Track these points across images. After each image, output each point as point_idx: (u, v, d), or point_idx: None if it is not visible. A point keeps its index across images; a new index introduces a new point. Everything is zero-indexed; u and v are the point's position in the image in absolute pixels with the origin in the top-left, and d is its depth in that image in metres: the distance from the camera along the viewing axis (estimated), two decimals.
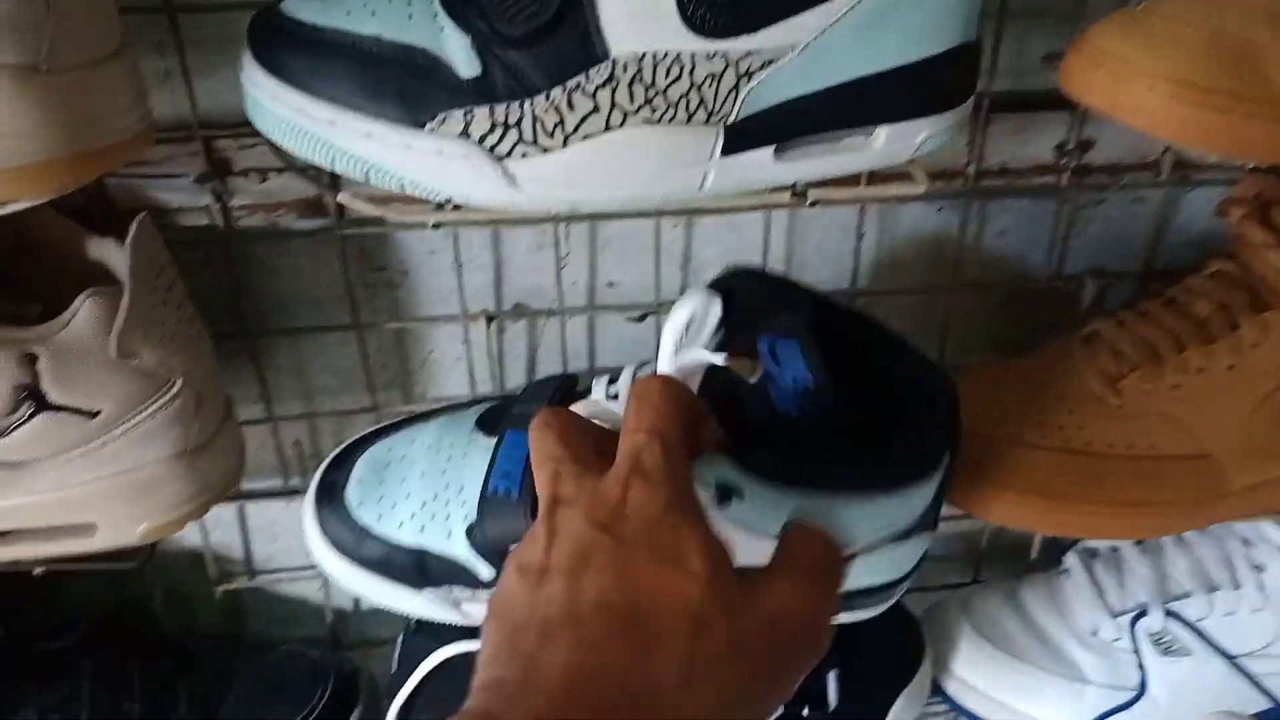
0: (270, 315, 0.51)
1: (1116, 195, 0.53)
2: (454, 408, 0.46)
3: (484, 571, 0.41)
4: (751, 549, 0.31)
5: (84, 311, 0.39)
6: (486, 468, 0.41)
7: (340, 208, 0.48)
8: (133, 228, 0.41)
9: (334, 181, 0.46)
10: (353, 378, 0.53)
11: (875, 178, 0.48)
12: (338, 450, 0.46)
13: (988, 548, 0.64)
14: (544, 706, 0.24)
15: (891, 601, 0.45)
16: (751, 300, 0.36)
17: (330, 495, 0.44)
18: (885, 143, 0.38)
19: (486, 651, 0.27)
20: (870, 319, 0.39)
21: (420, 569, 0.42)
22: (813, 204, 0.39)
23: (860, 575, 0.41)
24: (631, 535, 0.26)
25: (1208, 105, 0.35)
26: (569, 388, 0.43)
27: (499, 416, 0.43)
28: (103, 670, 0.51)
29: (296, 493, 0.56)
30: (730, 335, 0.36)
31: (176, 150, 0.46)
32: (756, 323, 0.36)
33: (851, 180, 0.41)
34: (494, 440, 0.42)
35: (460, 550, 0.41)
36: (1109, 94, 0.37)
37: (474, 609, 0.42)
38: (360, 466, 0.44)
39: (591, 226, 0.51)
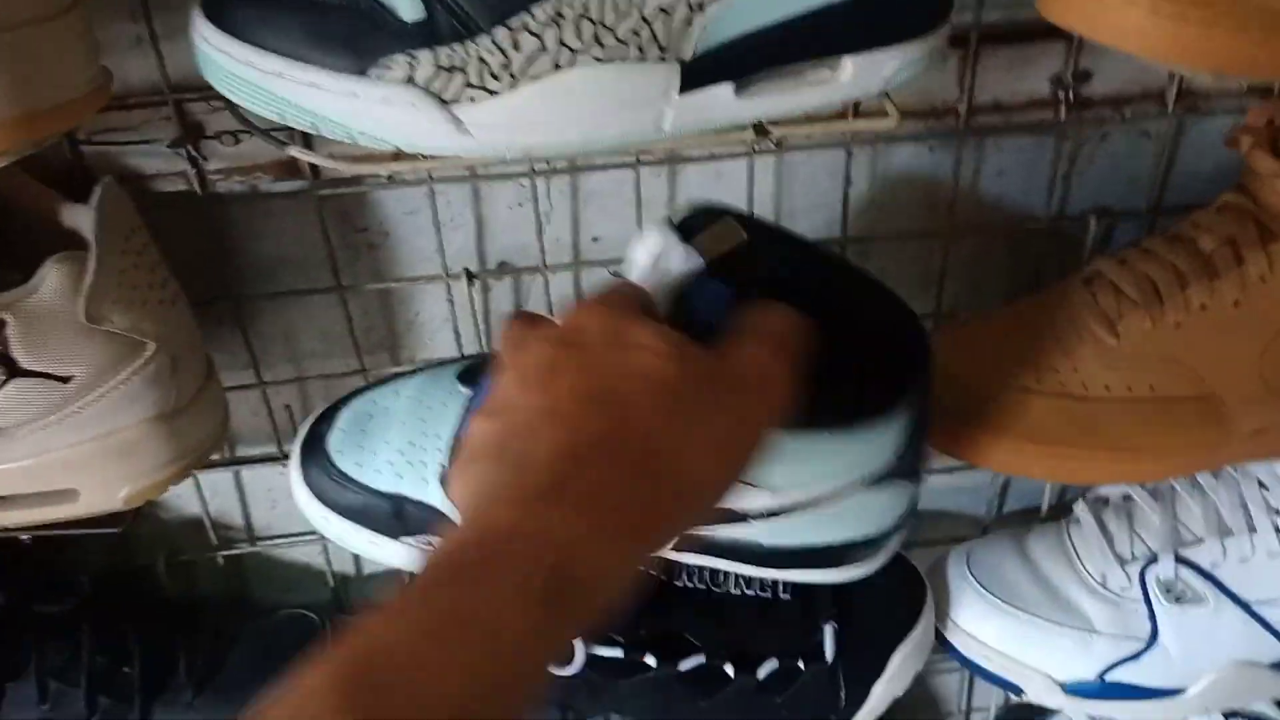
0: (254, 279, 0.51)
1: (1119, 129, 0.50)
2: (440, 363, 0.47)
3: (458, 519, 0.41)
4: None
5: (51, 276, 0.39)
6: (461, 412, 0.41)
7: (315, 168, 0.48)
8: (97, 191, 0.40)
9: (307, 141, 0.45)
10: (340, 341, 0.53)
11: (859, 113, 0.46)
12: (326, 407, 0.46)
13: (996, 500, 0.62)
14: (542, 479, 0.25)
15: (880, 560, 0.44)
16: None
17: (314, 446, 0.45)
18: (852, 75, 0.37)
19: (463, 493, 0.27)
20: (837, 257, 0.38)
21: (398, 516, 0.42)
22: (778, 142, 0.37)
23: (839, 527, 0.40)
24: (592, 341, 0.28)
25: (1190, 19, 0.33)
26: None
27: (480, 369, 0.43)
28: (102, 633, 0.52)
29: (289, 458, 0.56)
30: None
31: (150, 115, 0.46)
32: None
33: (823, 117, 0.40)
34: (470, 390, 0.42)
35: (435, 497, 0.41)
36: (1087, 14, 0.35)
37: None
38: (343, 417, 0.45)
39: (572, 180, 0.50)
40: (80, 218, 0.42)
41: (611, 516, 0.25)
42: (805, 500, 0.37)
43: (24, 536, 0.47)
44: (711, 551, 0.41)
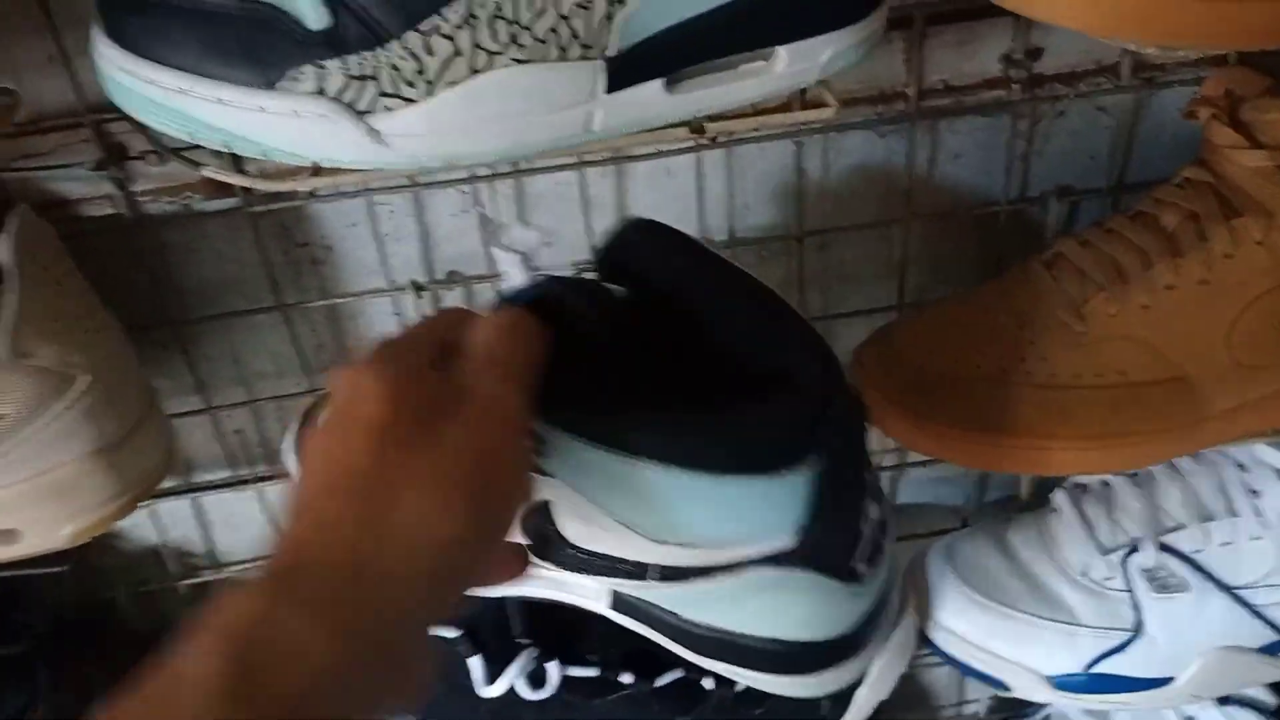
0: (194, 302, 0.50)
1: (1076, 105, 0.49)
2: None
3: None
4: (571, 503, 0.32)
5: None
6: None
7: (245, 187, 0.46)
8: (13, 221, 0.39)
9: (235, 161, 0.44)
10: (290, 361, 0.52)
11: (807, 104, 0.45)
12: None
13: (975, 490, 0.61)
14: (279, 543, 0.27)
15: (828, 683, 0.41)
16: (626, 251, 0.34)
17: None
18: (787, 64, 0.35)
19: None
20: (754, 283, 0.35)
21: None
22: (713, 139, 0.36)
23: (755, 615, 0.37)
24: (336, 398, 0.30)
25: None
26: None
27: None
28: (60, 673, 0.51)
29: (246, 482, 0.54)
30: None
31: (69, 138, 0.44)
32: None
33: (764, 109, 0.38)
34: None
35: None
36: None
37: None
38: None
39: (516, 183, 0.48)
40: (4, 250, 0.40)
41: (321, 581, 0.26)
42: (691, 559, 0.34)
43: None
44: (634, 615, 0.39)
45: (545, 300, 0.32)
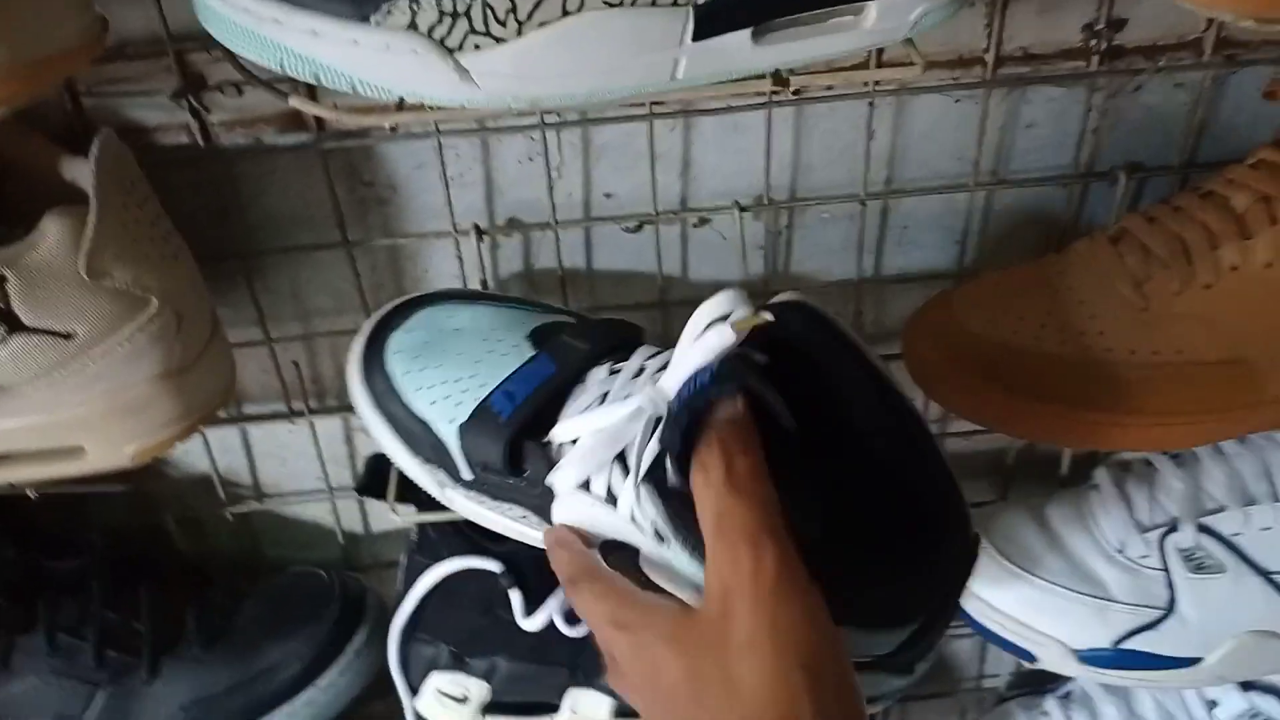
0: (260, 235, 0.50)
1: (1154, 80, 0.48)
2: (529, 305, 0.45)
3: (464, 470, 0.40)
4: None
5: (51, 231, 0.39)
6: (507, 375, 0.40)
7: (320, 121, 0.47)
8: (96, 143, 0.39)
9: (311, 92, 0.44)
10: (349, 298, 0.52)
11: (883, 64, 0.45)
12: (411, 298, 0.45)
13: (1015, 465, 0.61)
14: None
15: None
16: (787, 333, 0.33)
17: (381, 334, 0.44)
18: (876, 20, 0.35)
19: None
20: (909, 407, 0.34)
21: (423, 440, 0.42)
22: (796, 92, 0.36)
23: None
24: (620, 655, 0.34)
25: None
26: (628, 337, 0.41)
27: (552, 335, 0.42)
28: (112, 589, 0.52)
29: (299, 415, 0.55)
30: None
31: (151, 67, 0.45)
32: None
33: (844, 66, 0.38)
34: (532, 354, 0.41)
35: (451, 440, 0.40)
36: None
37: (454, 496, 0.42)
38: (417, 319, 0.44)
39: (584, 133, 0.48)
40: (80, 171, 0.41)
41: None
42: None
43: (31, 493, 0.47)
44: None
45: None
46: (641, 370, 0.38)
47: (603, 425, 0.35)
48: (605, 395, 0.38)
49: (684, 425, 0.31)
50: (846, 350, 0.33)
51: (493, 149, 0.49)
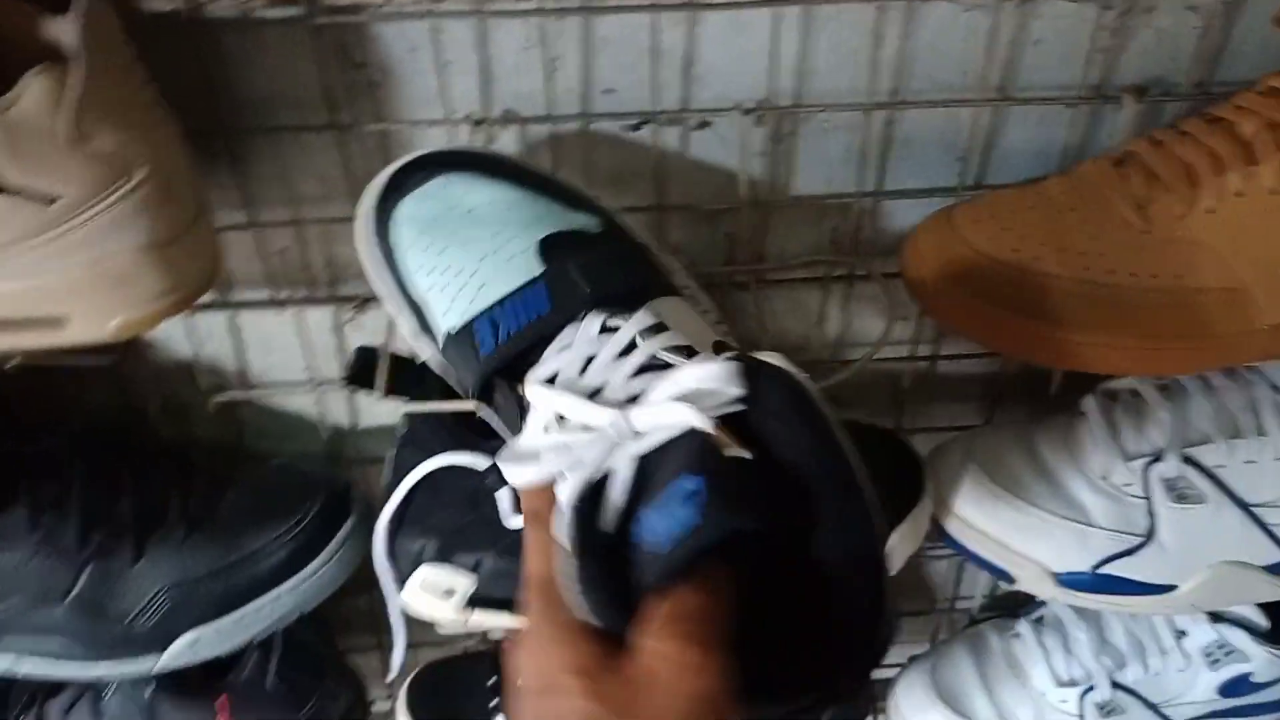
0: (247, 113, 0.49)
1: (1166, 2, 0.47)
2: (554, 190, 0.43)
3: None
4: None
5: (33, 88, 0.37)
6: (499, 297, 0.39)
7: None
8: (79, 2, 0.38)
9: None
10: (337, 184, 0.51)
11: None
12: (431, 153, 0.44)
13: (1003, 388, 0.61)
14: None
15: None
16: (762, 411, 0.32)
17: (393, 192, 0.43)
18: None
19: None
20: (867, 512, 0.32)
21: (417, 314, 0.41)
22: None
23: None
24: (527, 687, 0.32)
25: None
26: (636, 285, 0.40)
27: (563, 254, 0.40)
28: (95, 470, 0.52)
29: (285, 304, 0.55)
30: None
31: None
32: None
33: None
34: (535, 273, 0.40)
35: (438, 338, 0.40)
36: None
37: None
38: (433, 186, 0.42)
39: (585, 23, 0.47)
40: (62, 28, 0.39)
41: None
42: None
43: (7, 365, 0.46)
44: None
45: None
46: (632, 347, 0.37)
47: (564, 440, 0.34)
48: (590, 360, 0.36)
49: (667, 574, 0.30)
50: (824, 444, 0.32)
51: (490, 35, 0.47)
